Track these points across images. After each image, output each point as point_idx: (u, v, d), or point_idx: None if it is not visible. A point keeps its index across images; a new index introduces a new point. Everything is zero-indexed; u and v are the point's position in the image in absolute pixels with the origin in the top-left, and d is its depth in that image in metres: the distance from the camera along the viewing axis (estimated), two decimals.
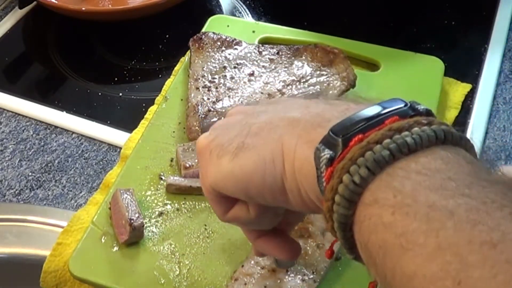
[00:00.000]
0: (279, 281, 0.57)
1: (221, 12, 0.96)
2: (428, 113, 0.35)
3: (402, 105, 0.35)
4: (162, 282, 0.58)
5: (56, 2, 0.91)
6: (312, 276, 0.57)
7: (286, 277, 0.57)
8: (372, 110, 0.35)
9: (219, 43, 0.80)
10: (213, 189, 0.43)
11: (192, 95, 0.73)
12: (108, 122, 0.78)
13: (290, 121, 0.40)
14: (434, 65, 0.79)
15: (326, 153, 0.34)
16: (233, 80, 0.75)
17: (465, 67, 0.84)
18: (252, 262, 0.58)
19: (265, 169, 0.39)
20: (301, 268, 0.58)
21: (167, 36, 0.92)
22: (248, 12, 0.96)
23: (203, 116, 0.70)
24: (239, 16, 0.95)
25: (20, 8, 0.95)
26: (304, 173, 0.37)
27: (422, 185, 0.30)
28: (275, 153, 0.39)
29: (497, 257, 0.26)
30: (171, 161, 0.69)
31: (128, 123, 0.77)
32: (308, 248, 0.59)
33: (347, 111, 0.37)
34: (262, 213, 0.44)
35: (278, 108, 0.43)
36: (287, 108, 0.42)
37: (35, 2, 0.94)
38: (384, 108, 0.35)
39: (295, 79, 0.75)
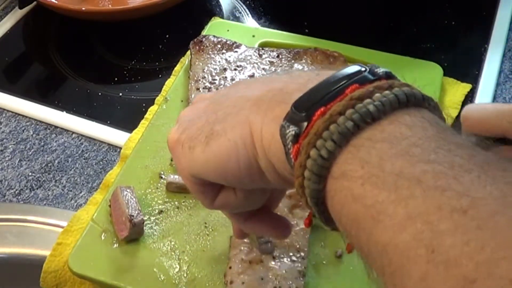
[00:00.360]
0: (271, 269, 0.57)
1: (221, 12, 0.96)
2: (388, 75, 0.35)
3: (361, 69, 0.35)
4: (162, 279, 0.58)
5: (56, 2, 0.91)
6: (299, 254, 0.57)
7: (276, 262, 0.57)
8: (331, 80, 0.34)
9: (219, 46, 0.80)
10: (194, 177, 0.43)
11: (193, 96, 0.73)
12: (108, 122, 0.78)
13: (254, 101, 0.39)
14: (432, 70, 0.79)
15: (291, 130, 0.34)
16: (234, 82, 0.75)
17: (465, 67, 0.84)
18: (239, 260, 0.58)
19: (238, 153, 0.39)
20: (284, 251, 0.58)
21: (167, 36, 0.92)
22: (248, 13, 0.96)
23: None
24: (239, 17, 0.95)
25: (20, 8, 0.95)
26: (273, 151, 0.37)
27: (388, 154, 0.30)
28: (244, 135, 0.38)
29: (468, 224, 0.26)
30: (171, 160, 0.69)
31: (128, 123, 0.77)
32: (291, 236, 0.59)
33: (309, 83, 0.36)
34: (250, 194, 0.44)
35: (241, 90, 0.42)
36: (250, 88, 0.41)
37: (35, 2, 0.94)
38: (343, 76, 0.34)
39: None
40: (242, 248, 0.58)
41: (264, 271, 0.57)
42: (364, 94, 0.32)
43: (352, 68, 0.35)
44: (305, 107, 0.34)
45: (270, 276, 0.56)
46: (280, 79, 0.40)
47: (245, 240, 0.58)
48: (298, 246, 0.58)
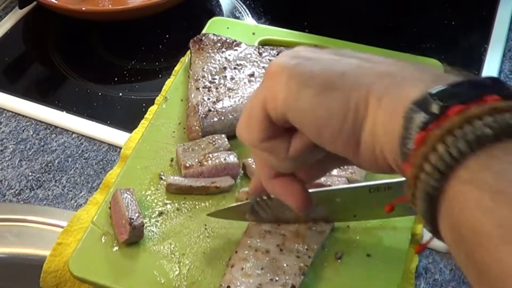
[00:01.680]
0: (274, 261, 0.57)
1: (221, 12, 0.96)
2: None
3: (498, 83, 0.34)
4: (162, 281, 0.58)
5: (56, 2, 0.91)
6: (305, 252, 0.58)
7: (281, 254, 0.57)
8: (472, 81, 0.34)
9: (219, 45, 0.80)
10: (279, 118, 0.41)
11: (192, 95, 0.73)
12: (108, 122, 0.78)
13: (380, 72, 0.38)
14: (433, 67, 0.79)
15: (421, 116, 0.33)
16: (233, 81, 0.75)
17: (465, 67, 0.84)
18: (246, 246, 0.58)
19: (347, 115, 0.37)
20: (293, 246, 0.58)
21: (167, 36, 0.92)
22: (248, 12, 0.96)
23: (203, 116, 0.70)
24: (239, 16, 0.95)
25: (20, 8, 0.95)
26: (386, 129, 0.36)
27: None
28: (360, 101, 0.37)
29: None
30: (171, 161, 0.69)
31: (128, 123, 0.77)
32: (299, 229, 0.59)
33: (441, 78, 0.35)
34: (303, 155, 0.42)
35: (365, 56, 0.40)
36: (377, 59, 0.40)
37: (35, 2, 0.94)
38: (484, 83, 0.33)
39: None
40: (253, 236, 0.59)
41: (267, 261, 0.57)
42: (504, 108, 0.32)
43: (490, 78, 0.34)
44: (443, 98, 0.33)
45: (271, 267, 0.56)
46: (407, 64, 0.39)
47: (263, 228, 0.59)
48: (309, 244, 0.58)
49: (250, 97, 0.44)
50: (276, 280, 0.56)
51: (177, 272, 0.58)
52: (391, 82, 0.37)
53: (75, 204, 0.69)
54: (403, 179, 0.55)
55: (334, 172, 0.65)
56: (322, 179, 0.64)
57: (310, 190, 0.50)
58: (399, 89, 0.36)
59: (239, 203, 0.61)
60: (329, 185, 0.63)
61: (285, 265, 0.57)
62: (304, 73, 0.39)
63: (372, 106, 0.37)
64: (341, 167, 0.65)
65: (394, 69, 0.38)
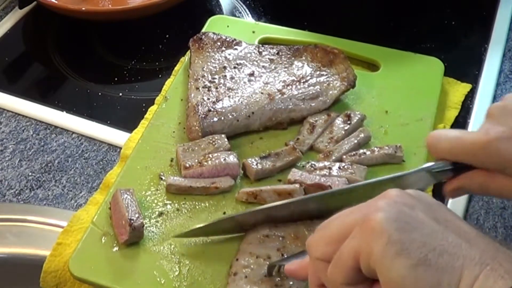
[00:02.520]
0: (280, 254, 0.57)
1: (221, 12, 0.96)
2: None
3: None
4: (162, 282, 0.58)
5: (56, 2, 0.91)
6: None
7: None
8: None
9: (219, 43, 0.80)
10: (368, 269, 0.41)
11: (192, 95, 0.73)
12: (108, 122, 0.78)
13: (474, 258, 0.39)
14: (434, 65, 0.79)
15: None
16: (233, 80, 0.75)
17: (465, 67, 0.84)
18: (247, 253, 0.58)
19: None
20: (294, 249, 0.58)
21: (167, 36, 0.92)
22: (248, 12, 0.96)
23: (203, 116, 0.70)
24: (239, 16, 0.95)
25: (20, 8, 0.95)
26: None
27: None
28: (451, 284, 0.38)
29: None
30: (171, 161, 0.69)
31: (128, 123, 0.77)
32: (298, 231, 0.59)
33: None
34: None
35: (463, 230, 0.42)
36: (473, 235, 0.41)
37: (35, 2, 0.94)
38: None
39: (295, 79, 0.75)
40: (252, 242, 0.59)
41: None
42: None
43: None
44: None
45: (274, 274, 0.56)
46: (490, 245, 0.40)
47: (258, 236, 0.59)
48: None
49: (341, 222, 0.44)
50: (281, 286, 0.56)
51: (177, 273, 0.58)
52: (482, 271, 0.38)
53: (75, 204, 0.69)
54: (397, 174, 0.55)
55: (334, 172, 0.65)
56: (322, 179, 0.64)
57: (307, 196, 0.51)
58: (488, 282, 0.38)
59: (207, 223, 0.60)
60: (329, 186, 0.63)
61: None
62: (404, 243, 0.40)
63: None
64: (341, 168, 0.66)
65: (487, 256, 0.39)
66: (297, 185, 0.64)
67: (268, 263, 0.57)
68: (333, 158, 0.68)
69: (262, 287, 0.56)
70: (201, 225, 0.60)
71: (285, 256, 0.57)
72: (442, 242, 0.40)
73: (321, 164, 0.67)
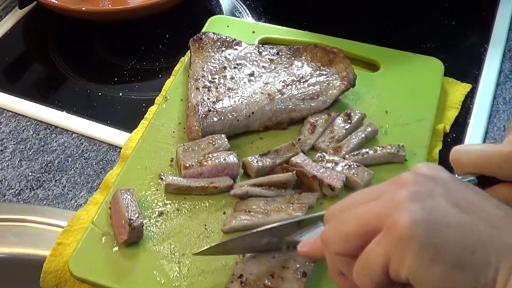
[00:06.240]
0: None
1: (221, 12, 0.96)
2: None
3: None
4: (162, 282, 0.58)
5: (56, 2, 0.91)
6: None
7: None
8: None
9: (219, 43, 0.80)
10: (399, 277, 0.40)
11: (192, 95, 0.73)
12: (108, 122, 0.78)
13: (507, 246, 0.39)
14: (434, 65, 0.79)
15: None
16: (233, 80, 0.75)
17: (465, 67, 0.84)
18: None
19: None
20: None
21: (167, 36, 0.92)
22: (248, 12, 0.96)
23: (203, 116, 0.70)
24: (239, 16, 0.95)
25: (20, 8, 0.95)
26: None
27: None
28: (488, 281, 0.38)
29: None
30: (171, 161, 0.69)
31: (128, 123, 0.77)
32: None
33: None
34: None
35: (492, 215, 0.41)
36: (504, 221, 0.40)
37: (35, 2, 0.94)
38: None
39: (295, 79, 0.75)
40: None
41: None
42: None
43: None
44: None
45: (282, 255, 0.57)
46: (508, 223, 0.40)
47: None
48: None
49: (359, 217, 0.43)
50: (288, 268, 0.56)
51: (177, 272, 0.58)
52: None
53: (75, 204, 0.69)
54: None
55: (339, 167, 0.65)
56: (321, 170, 0.64)
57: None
58: None
59: (226, 240, 0.59)
60: (314, 176, 0.63)
61: (297, 253, 0.57)
62: (436, 246, 0.38)
63: (500, 285, 0.38)
64: (348, 166, 0.66)
65: None
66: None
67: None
68: (343, 152, 0.68)
69: (270, 268, 0.56)
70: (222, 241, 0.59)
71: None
72: (472, 237, 0.39)
73: (330, 158, 0.67)
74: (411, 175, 0.43)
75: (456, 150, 0.53)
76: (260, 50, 0.79)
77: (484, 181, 0.52)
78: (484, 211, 0.41)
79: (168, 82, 0.81)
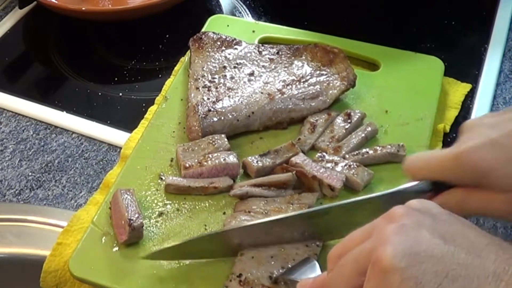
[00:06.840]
0: (283, 249, 0.58)
1: (221, 12, 0.96)
2: None
3: None
4: (162, 282, 0.58)
5: (56, 2, 0.91)
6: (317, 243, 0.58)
7: (291, 245, 0.58)
8: None
9: (219, 43, 0.80)
10: None
11: (192, 95, 0.73)
12: (108, 122, 0.78)
13: (486, 274, 0.39)
14: (434, 65, 0.79)
15: None
16: (233, 80, 0.75)
17: (465, 67, 0.84)
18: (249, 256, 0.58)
19: None
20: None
21: (167, 36, 0.92)
22: (248, 12, 0.96)
23: (203, 116, 0.70)
24: (239, 16, 0.95)
25: (20, 8, 0.95)
26: None
27: None
28: None
29: None
30: (171, 161, 0.69)
31: (128, 123, 0.77)
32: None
33: None
34: None
35: (474, 243, 0.41)
36: (483, 248, 0.41)
37: (35, 2, 0.94)
38: None
39: (295, 78, 0.75)
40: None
41: (276, 251, 0.58)
42: None
43: None
44: None
45: (281, 255, 0.57)
46: (490, 251, 0.40)
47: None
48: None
49: (355, 258, 0.43)
50: (293, 260, 0.56)
51: (176, 272, 0.58)
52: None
53: (75, 204, 0.69)
54: (389, 191, 0.55)
55: (339, 167, 0.65)
56: (321, 170, 0.64)
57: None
58: None
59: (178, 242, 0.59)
60: (314, 176, 0.63)
61: (295, 253, 0.57)
62: (417, 277, 0.39)
63: None
64: (348, 166, 0.66)
65: (500, 269, 0.39)
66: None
67: (276, 247, 0.57)
68: (343, 152, 0.68)
69: (269, 268, 0.56)
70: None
71: (289, 266, 0.57)
72: (454, 266, 0.39)
73: (330, 158, 0.67)
74: (402, 210, 0.43)
75: (408, 158, 0.54)
76: (260, 50, 0.79)
77: (439, 187, 0.52)
78: (468, 241, 0.41)
79: (168, 82, 0.81)
